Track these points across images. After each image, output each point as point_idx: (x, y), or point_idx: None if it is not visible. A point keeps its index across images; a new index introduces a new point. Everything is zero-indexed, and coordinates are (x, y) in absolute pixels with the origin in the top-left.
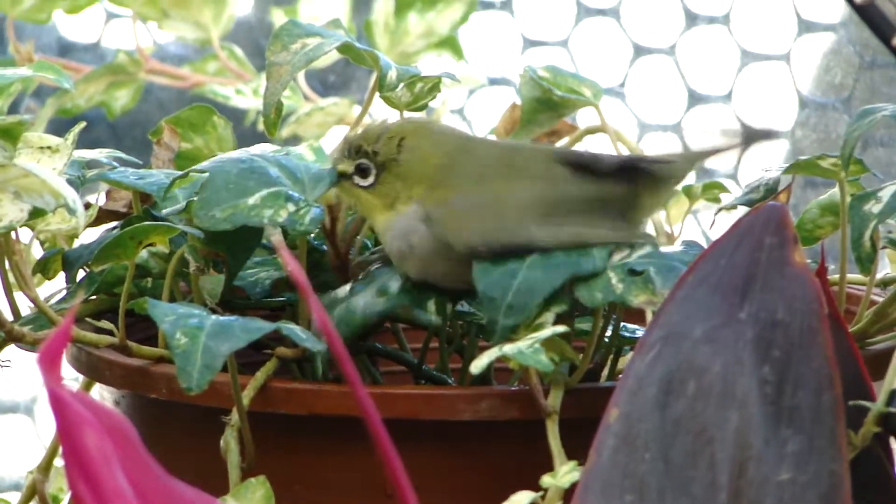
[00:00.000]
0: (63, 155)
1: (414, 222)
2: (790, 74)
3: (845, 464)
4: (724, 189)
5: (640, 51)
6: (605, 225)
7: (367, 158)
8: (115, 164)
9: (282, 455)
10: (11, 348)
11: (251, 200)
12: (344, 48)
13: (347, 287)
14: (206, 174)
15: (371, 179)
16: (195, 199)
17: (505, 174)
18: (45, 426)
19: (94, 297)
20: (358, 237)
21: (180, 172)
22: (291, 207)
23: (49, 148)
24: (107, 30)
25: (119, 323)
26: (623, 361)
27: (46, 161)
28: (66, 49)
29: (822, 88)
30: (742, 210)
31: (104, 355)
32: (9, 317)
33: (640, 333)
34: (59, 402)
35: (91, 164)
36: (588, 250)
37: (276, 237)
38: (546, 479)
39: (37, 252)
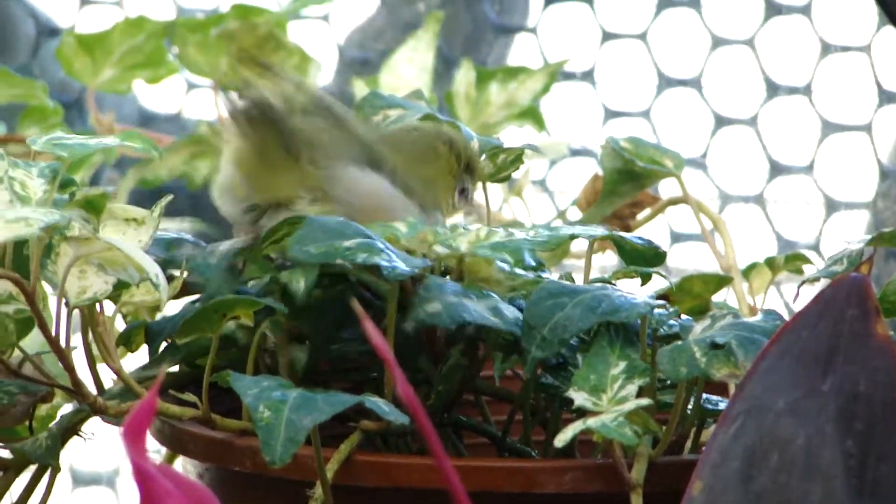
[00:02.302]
0: (149, 227)
1: None
2: (871, 145)
3: None
4: (806, 261)
5: (721, 121)
6: None
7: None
8: (200, 242)
9: None
10: (94, 420)
11: (346, 243)
12: (426, 119)
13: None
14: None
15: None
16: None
17: None
18: (128, 499)
19: (177, 368)
20: None
21: None
22: (385, 257)
23: (135, 220)
24: (188, 100)
25: (203, 395)
26: (706, 434)
27: (132, 234)
28: (147, 120)
29: None
30: (825, 282)
31: (188, 428)
32: (93, 389)
33: (722, 405)
34: (143, 475)
35: (175, 242)
36: (632, 298)
37: (359, 308)
38: None
39: (120, 324)
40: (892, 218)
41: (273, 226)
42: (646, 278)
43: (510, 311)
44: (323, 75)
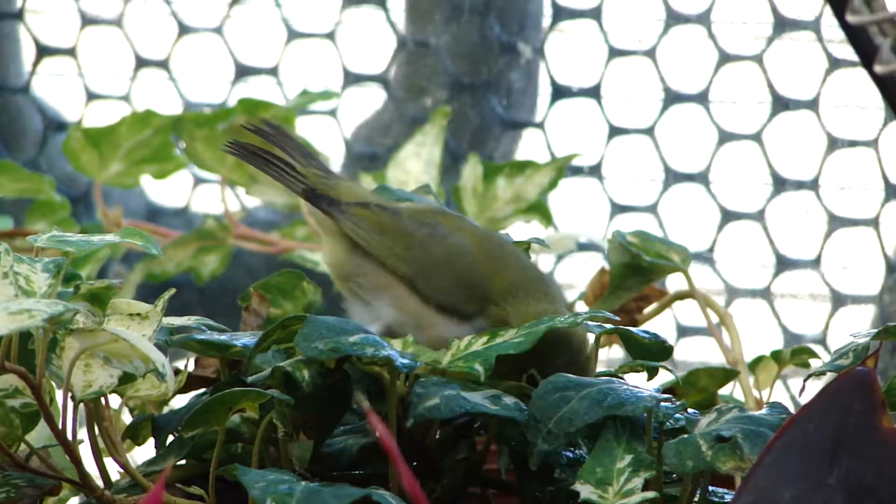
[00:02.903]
0: (153, 321)
1: None
2: (878, 239)
3: None
4: (813, 354)
5: (728, 216)
6: None
7: None
8: (203, 328)
9: None
10: None
11: (352, 339)
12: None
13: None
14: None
15: None
16: (298, 336)
17: None
18: None
19: (183, 462)
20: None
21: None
22: (390, 351)
23: (138, 315)
24: (195, 195)
25: (210, 489)
26: None
27: (136, 328)
28: (154, 214)
29: None
30: (831, 376)
31: None
32: (100, 483)
33: (728, 498)
34: None
35: (180, 330)
36: (638, 391)
37: (364, 402)
38: None
39: (126, 418)
40: None
41: (268, 329)
42: (652, 373)
43: (510, 400)
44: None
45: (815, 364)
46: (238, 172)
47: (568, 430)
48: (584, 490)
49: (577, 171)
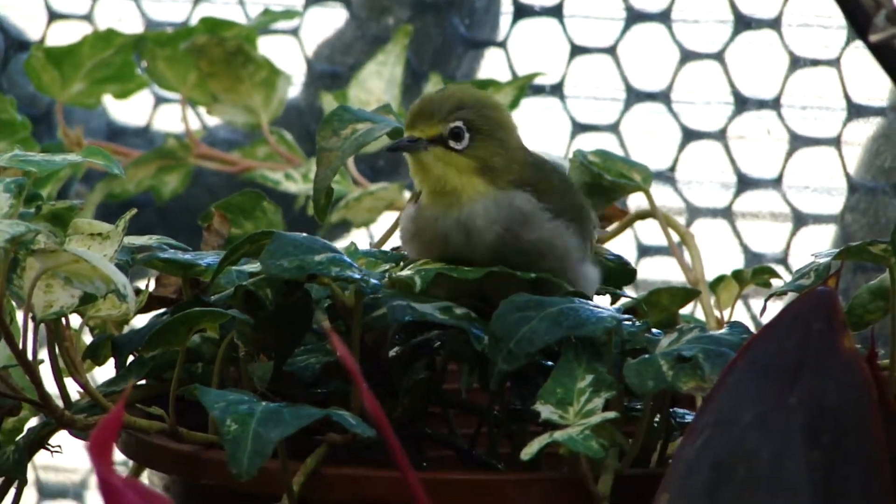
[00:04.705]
0: (114, 241)
1: (525, 204)
2: (840, 159)
3: None
4: (774, 274)
5: (690, 135)
6: None
7: (463, 122)
8: (165, 247)
9: None
10: (62, 433)
11: (318, 258)
12: (393, 133)
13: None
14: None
15: (465, 143)
16: (264, 252)
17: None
18: None
19: (144, 382)
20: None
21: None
22: (355, 271)
23: (100, 234)
24: (156, 114)
25: (170, 409)
26: (673, 447)
27: (97, 248)
28: (115, 133)
29: (872, 173)
30: (792, 296)
31: (155, 441)
32: (60, 403)
33: (689, 418)
34: (109, 489)
35: (141, 249)
36: (599, 311)
37: (325, 322)
38: None
39: (87, 338)
40: (860, 232)
41: (235, 244)
42: (615, 298)
43: (461, 310)
44: (291, 90)
45: (776, 284)
46: (199, 91)
47: (528, 351)
48: (545, 410)
49: (539, 90)
